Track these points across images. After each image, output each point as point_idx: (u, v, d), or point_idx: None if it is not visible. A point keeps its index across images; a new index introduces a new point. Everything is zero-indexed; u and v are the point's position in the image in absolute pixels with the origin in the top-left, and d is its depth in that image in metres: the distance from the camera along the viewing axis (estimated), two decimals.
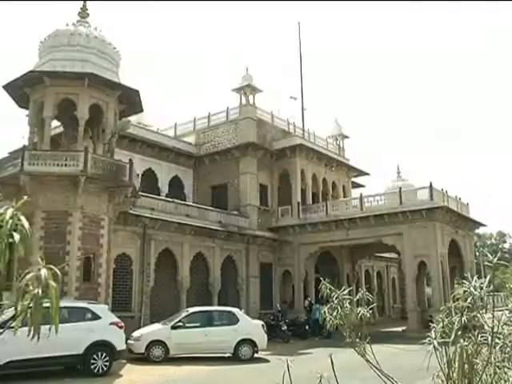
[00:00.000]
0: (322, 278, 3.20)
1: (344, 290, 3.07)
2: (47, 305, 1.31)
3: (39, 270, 1.26)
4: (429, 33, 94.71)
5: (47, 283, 1.24)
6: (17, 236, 1.27)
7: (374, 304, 3.70)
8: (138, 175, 21.36)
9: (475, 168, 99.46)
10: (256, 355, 16.48)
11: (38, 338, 1.27)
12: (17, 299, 1.24)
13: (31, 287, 1.25)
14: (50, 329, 1.28)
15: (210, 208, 26.87)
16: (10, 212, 1.25)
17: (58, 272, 1.33)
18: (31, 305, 1.23)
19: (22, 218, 1.28)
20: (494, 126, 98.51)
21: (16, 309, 1.24)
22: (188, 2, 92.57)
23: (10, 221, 1.21)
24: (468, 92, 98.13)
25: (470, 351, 2.43)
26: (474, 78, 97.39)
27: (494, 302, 2.59)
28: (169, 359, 15.65)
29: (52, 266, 1.30)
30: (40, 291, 1.23)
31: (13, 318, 1.45)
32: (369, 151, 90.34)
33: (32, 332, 1.24)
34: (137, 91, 20.00)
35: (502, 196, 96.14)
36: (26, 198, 1.50)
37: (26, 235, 1.29)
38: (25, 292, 1.25)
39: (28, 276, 1.26)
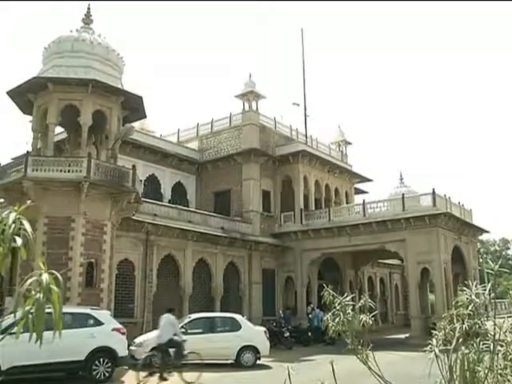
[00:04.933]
0: (325, 285, 3.20)
1: (346, 296, 3.07)
2: (49, 310, 1.31)
3: (40, 274, 1.27)
4: (435, 37, 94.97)
5: (49, 288, 1.24)
6: (19, 240, 1.27)
7: (377, 311, 3.70)
8: (141, 181, 21.39)
9: (479, 174, 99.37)
10: (258, 362, 16.43)
11: (41, 343, 1.27)
12: (16, 304, 1.25)
13: (33, 292, 1.26)
14: (54, 335, 1.28)
15: (213, 214, 26.89)
16: (12, 216, 1.26)
17: (60, 277, 1.33)
18: (33, 310, 1.23)
19: (25, 223, 1.29)
20: (499, 130, 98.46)
21: (15, 314, 1.24)
22: (192, 8, 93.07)
23: (13, 225, 1.21)
24: (475, 97, 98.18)
25: (471, 359, 2.42)
26: (481, 80, 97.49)
27: (495, 309, 2.58)
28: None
29: (54, 271, 1.31)
30: (42, 296, 1.23)
31: (14, 323, 1.45)
32: (372, 158, 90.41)
33: (35, 338, 1.25)
34: (140, 97, 20.06)
35: (505, 202, 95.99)
36: (29, 202, 1.50)
37: (28, 240, 1.30)
38: (26, 297, 1.26)
39: (29, 281, 1.27)
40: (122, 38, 58.24)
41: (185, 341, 13.57)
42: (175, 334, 13.46)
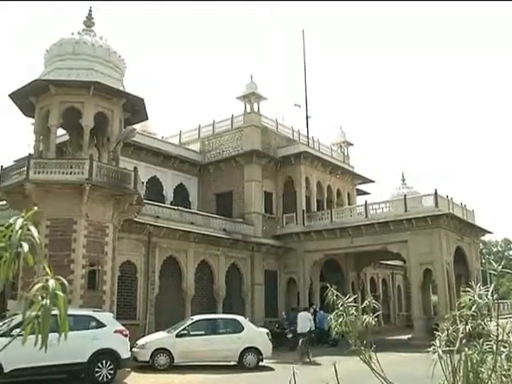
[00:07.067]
0: (328, 285, 3.20)
1: (349, 297, 3.07)
2: (54, 312, 1.32)
3: (47, 280, 1.28)
4: (435, 37, 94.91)
5: (55, 294, 1.25)
6: (26, 246, 1.28)
7: (380, 312, 3.70)
8: (142, 183, 21.40)
9: (481, 174, 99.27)
10: (261, 363, 16.42)
11: (46, 347, 1.28)
12: (25, 309, 1.26)
13: (39, 297, 1.27)
14: (59, 338, 1.29)
15: (215, 215, 26.89)
16: (19, 222, 1.27)
17: (66, 282, 1.34)
18: (39, 314, 1.24)
19: (32, 228, 1.30)
20: (501, 130, 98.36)
21: (24, 318, 1.25)
22: (192, 8, 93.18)
23: (20, 231, 1.22)
24: (476, 97, 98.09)
25: (475, 360, 2.42)
26: (482, 80, 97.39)
27: (498, 309, 2.59)
28: (173, 367, 15.61)
29: (60, 277, 1.32)
30: (48, 302, 1.24)
31: (17, 326, 1.47)
32: (374, 159, 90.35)
33: (40, 342, 1.26)
34: (142, 99, 20.09)
35: (508, 203, 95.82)
36: (36, 208, 1.51)
37: (35, 245, 1.31)
38: (32, 302, 1.27)
39: (36, 286, 1.28)
40: (124, 38, 58.49)
41: (315, 330, 19.61)
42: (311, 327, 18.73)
